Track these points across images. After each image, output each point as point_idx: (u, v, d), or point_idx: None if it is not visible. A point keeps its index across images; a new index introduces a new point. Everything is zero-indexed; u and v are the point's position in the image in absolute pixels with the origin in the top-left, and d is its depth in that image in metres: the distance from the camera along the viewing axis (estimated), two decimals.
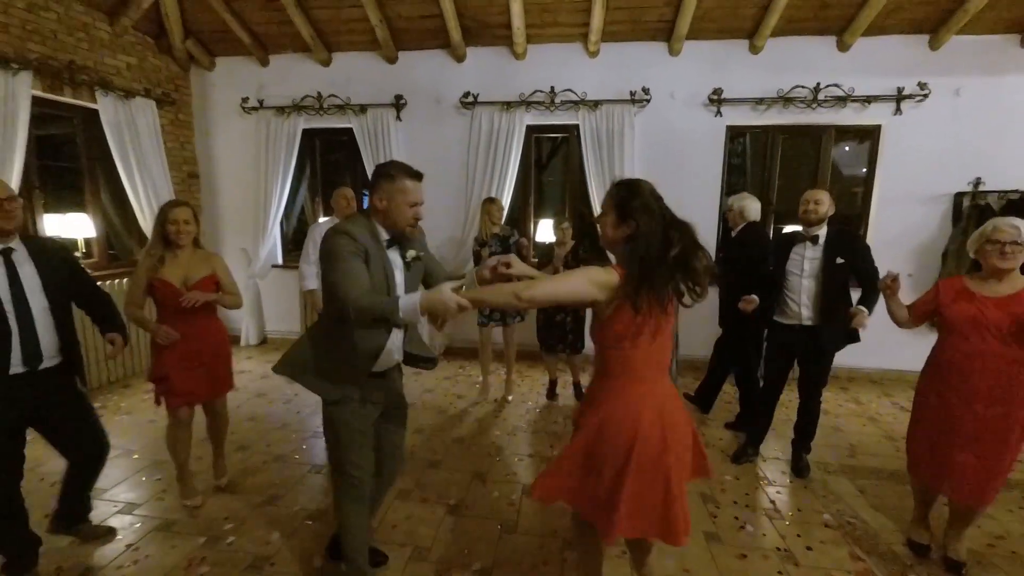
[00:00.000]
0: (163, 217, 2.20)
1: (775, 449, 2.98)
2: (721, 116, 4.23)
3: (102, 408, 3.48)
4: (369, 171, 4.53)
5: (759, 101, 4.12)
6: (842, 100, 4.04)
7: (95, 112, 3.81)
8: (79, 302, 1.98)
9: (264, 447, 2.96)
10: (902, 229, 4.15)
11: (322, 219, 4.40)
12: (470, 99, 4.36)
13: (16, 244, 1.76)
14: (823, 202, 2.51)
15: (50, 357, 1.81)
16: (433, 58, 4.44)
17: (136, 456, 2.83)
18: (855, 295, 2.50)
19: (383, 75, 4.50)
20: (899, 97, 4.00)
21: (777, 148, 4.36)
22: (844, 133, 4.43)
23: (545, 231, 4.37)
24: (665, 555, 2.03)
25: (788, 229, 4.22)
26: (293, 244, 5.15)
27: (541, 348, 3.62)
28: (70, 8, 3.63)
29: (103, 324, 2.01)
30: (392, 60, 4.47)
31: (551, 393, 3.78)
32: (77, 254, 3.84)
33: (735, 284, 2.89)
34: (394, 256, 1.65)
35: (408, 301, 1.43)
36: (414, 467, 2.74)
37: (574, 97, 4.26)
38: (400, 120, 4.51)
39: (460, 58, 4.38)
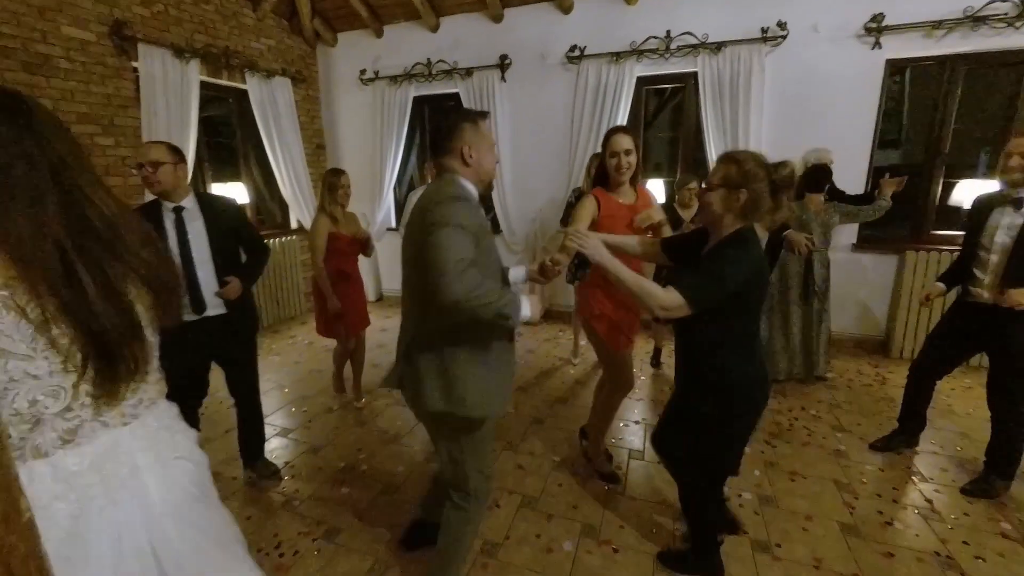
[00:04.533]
0: (336, 183, 2.67)
1: (932, 441, 2.55)
2: (880, 48, 3.52)
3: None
4: None
5: (936, 25, 3.34)
6: None
7: (244, 92, 4.33)
8: (245, 250, 2.13)
9: (386, 391, 3.27)
10: None
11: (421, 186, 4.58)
12: (576, 53, 4.15)
13: (188, 202, 1.91)
14: None
15: (214, 306, 1.97)
16: (539, 12, 4.28)
17: (286, 390, 3.31)
18: None
19: (489, 35, 4.46)
20: None
21: (957, 84, 3.53)
22: None
23: (656, 192, 4.10)
24: (795, 542, 1.88)
25: (961, 185, 3.48)
26: (404, 208, 5.48)
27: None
28: None
29: (242, 269, 2.08)
30: (498, 19, 4.39)
31: (655, 361, 3.65)
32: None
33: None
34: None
35: (525, 307, 1.28)
36: (519, 423, 2.83)
37: (693, 41, 3.83)
38: (504, 81, 4.46)
39: (567, 9, 4.16)
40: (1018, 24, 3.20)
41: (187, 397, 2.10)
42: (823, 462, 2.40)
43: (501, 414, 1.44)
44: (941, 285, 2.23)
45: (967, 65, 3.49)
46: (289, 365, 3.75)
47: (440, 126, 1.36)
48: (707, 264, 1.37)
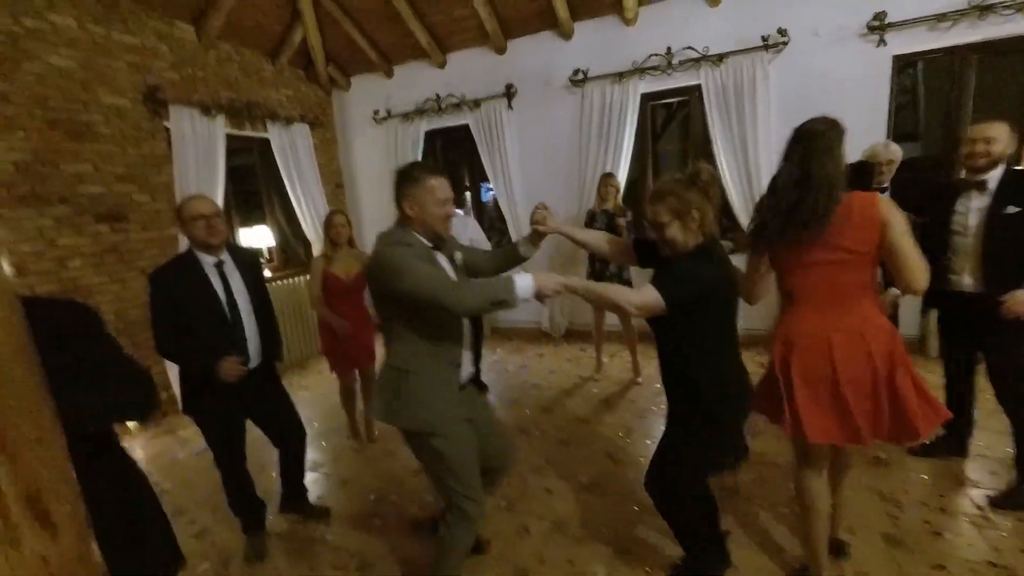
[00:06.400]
0: (327, 223, 2.74)
1: (982, 444, 2.43)
2: (885, 45, 3.50)
3: (286, 385, 4.22)
4: (486, 164, 4.74)
5: (941, 17, 3.31)
6: None
7: (266, 141, 4.58)
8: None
9: None
10: None
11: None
12: (579, 76, 4.26)
13: (225, 256, 1.94)
14: (998, 139, 1.91)
15: (255, 357, 1.98)
16: (540, 40, 4.42)
17: (316, 425, 3.39)
18: None
19: (494, 67, 4.63)
20: None
21: (969, 74, 3.47)
22: None
23: None
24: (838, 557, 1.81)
25: None
26: None
27: None
28: (244, 56, 4.40)
29: (268, 348, 2.08)
30: (501, 50, 4.56)
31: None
32: (262, 260, 4.68)
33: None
34: (443, 262, 1.55)
35: (523, 280, 1.35)
36: (544, 444, 2.83)
37: (694, 55, 3.89)
38: (512, 109, 4.60)
39: (567, 35, 4.29)
40: None
41: (234, 464, 2.04)
42: (862, 472, 2.31)
43: (440, 432, 1.48)
44: (896, 291, 2.11)
45: (977, 54, 3.44)
46: (318, 399, 3.84)
47: (394, 180, 1.50)
48: (679, 265, 1.46)
